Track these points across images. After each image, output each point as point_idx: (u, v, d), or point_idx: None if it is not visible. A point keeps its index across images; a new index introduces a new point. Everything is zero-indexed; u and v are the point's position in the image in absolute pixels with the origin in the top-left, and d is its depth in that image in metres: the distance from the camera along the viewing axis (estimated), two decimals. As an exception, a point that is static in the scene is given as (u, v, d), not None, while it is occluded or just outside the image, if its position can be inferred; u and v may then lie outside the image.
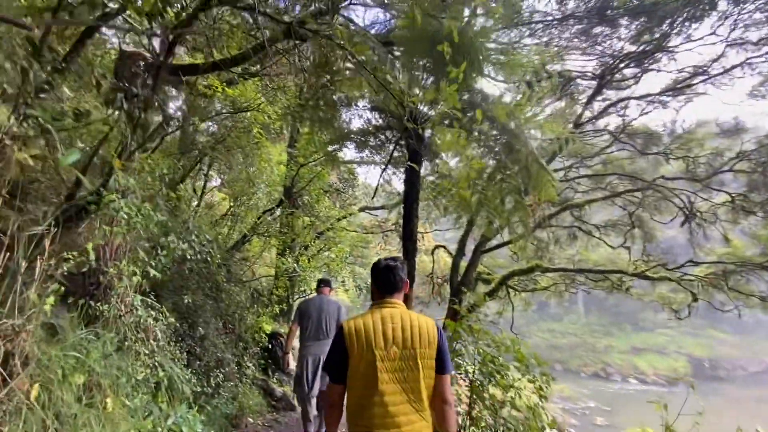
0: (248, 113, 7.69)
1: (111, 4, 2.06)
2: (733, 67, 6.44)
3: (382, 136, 6.61)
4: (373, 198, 6.07)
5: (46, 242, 1.51)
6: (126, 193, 2.01)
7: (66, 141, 2.10)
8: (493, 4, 4.39)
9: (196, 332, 4.01)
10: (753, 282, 6.38)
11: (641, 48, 7.14)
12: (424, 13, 4.14)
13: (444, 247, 8.99)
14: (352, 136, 8.93)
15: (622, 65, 7.41)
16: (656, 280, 6.68)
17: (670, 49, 6.68)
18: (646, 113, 8.83)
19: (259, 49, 5.81)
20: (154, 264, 2.50)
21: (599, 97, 8.18)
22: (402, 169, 8.83)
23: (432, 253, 9.05)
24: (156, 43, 3.96)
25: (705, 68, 6.82)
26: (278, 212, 7.82)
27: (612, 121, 9.08)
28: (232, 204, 9.08)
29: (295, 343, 4.78)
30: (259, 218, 7.67)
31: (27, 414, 1.49)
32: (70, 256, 1.77)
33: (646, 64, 7.37)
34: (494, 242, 7.67)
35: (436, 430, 1.62)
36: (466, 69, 3.32)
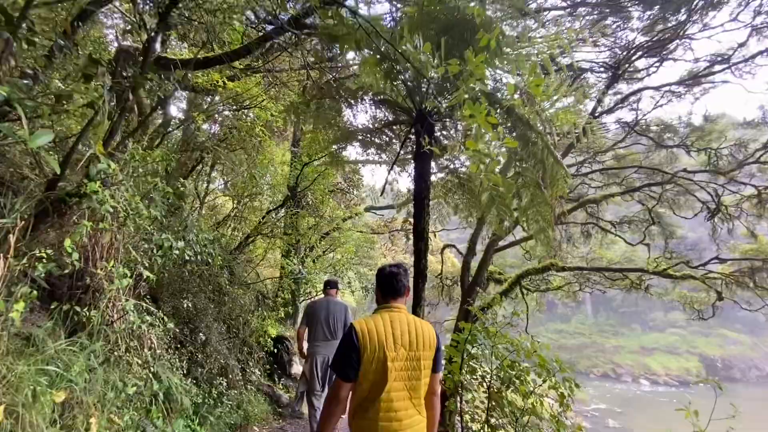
0: (251, 110, 7.48)
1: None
2: (756, 54, 6.14)
3: (390, 133, 6.37)
4: (381, 194, 5.85)
5: (12, 238, 1.29)
6: (112, 184, 1.78)
7: (46, 127, 1.89)
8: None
9: (197, 338, 3.78)
10: (781, 279, 6.08)
11: (658, 37, 6.85)
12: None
13: (454, 246, 8.72)
14: (357, 135, 8.69)
15: (638, 55, 7.12)
16: (679, 279, 6.37)
17: (690, 36, 6.38)
18: (660, 106, 8.54)
19: (261, 44, 5.61)
20: (148, 265, 2.27)
21: (610, 91, 7.91)
22: (408, 169, 8.62)
23: (441, 253, 8.79)
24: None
25: (725, 57, 6.53)
26: (282, 212, 7.60)
27: (623, 116, 8.77)
28: (235, 205, 8.89)
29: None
30: (262, 218, 7.45)
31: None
32: (44, 255, 1.54)
33: (664, 54, 7.08)
34: (508, 241, 7.40)
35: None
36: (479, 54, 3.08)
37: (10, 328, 1.39)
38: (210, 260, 3.34)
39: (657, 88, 7.23)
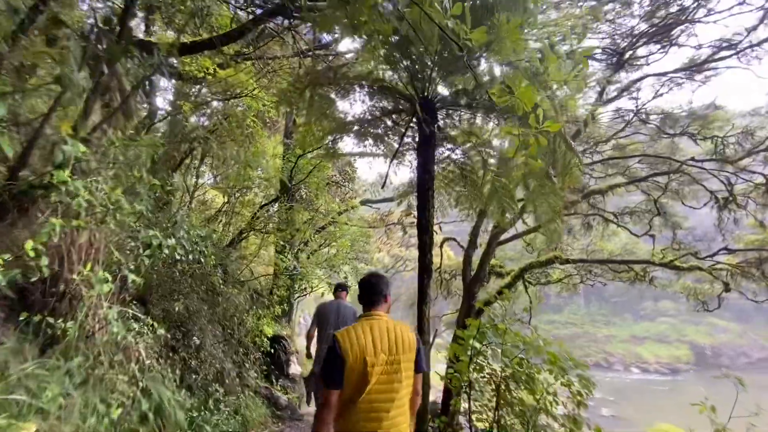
0: (241, 100, 7.13)
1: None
2: (766, 39, 5.97)
3: (388, 122, 6.09)
4: (383, 187, 5.60)
5: (-49, 240, 1.02)
6: (86, 174, 1.50)
7: (10, 109, 1.59)
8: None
9: (190, 342, 3.51)
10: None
11: (663, 22, 6.64)
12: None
13: (454, 239, 8.52)
14: (353, 126, 8.42)
15: (642, 41, 6.92)
16: (686, 270, 6.26)
17: (696, 20, 6.19)
18: (660, 95, 8.38)
19: (253, 26, 5.26)
20: (134, 267, 1.99)
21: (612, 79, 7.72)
22: (406, 160, 8.36)
23: (440, 246, 8.60)
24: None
25: (733, 42, 6.36)
26: (276, 207, 7.31)
27: (622, 105, 8.60)
28: (226, 200, 8.56)
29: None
30: (256, 213, 7.14)
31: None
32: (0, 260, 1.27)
33: (669, 40, 6.88)
34: (511, 234, 7.20)
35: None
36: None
37: (-42, 352, 1.12)
38: (202, 259, 3.06)
39: (662, 75, 7.04)
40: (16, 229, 1.46)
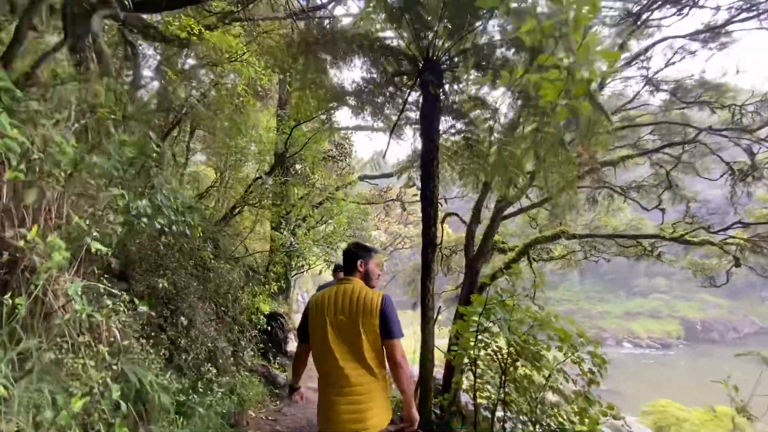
0: (231, 66, 6.65)
1: None
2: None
3: (390, 88, 5.68)
4: (384, 156, 5.30)
5: None
6: (16, 113, 1.19)
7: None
8: None
9: (178, 321, 3.25)
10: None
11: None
12: None
13: (456, 214, 8.25)
14: (350, 96, 8.01)
15: (658, 2, 6.47)
16: (696, 245, 6.06)
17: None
18: (673, 63, 7.97)
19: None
20: (98, 234, 1.69)
21: (616, 46, 7.27)
22: (405, 135, 7.96)
23: (441, 222, 8.35)
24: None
25: (755, 2, 5.94)
26: (270, 181, 6.97)
27: (630, 74, 8.19)
28: (218, 174, 8.20)
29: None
30: (249, 187, 6.80)
31: None
32: None
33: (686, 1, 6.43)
34: (516, 207, 6.91)
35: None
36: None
37: None
38: (188, 230, 2.77)
39: (678, 38, 6.63)
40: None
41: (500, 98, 5.03)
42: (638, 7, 6.82)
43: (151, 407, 2.23)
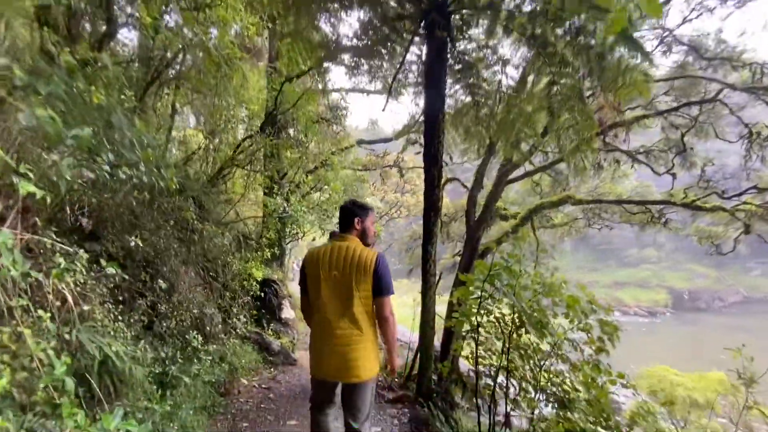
0: (215, 15, 6.01)
1: None
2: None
3: (392, 36, 5.14)
4: (388, 98, 4.88)
5: None
6: None
7: None
8: None
9: (157, 285, 2.95)
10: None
11: None
12: None
13: (457, 179, 7.91)
14: (345, 51, 7.47)
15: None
16: (708, 211, 5.82)
17: None
18: (689, 20, 7.44)
19: None
20: (32, 172, 1.33)
21: None
22: (403, 99, 7.50)
23: (441, 188, 8.01)
24: None
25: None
26: (260, 140, 6.52)
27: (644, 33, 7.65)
28: (206, 135, 7.69)
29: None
30: (238, 147, 6.35)
31: None
32: None
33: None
34: (525, 174, 6.58)
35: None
36: None
37: None
38: (161, 182, 2.40)
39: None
40: None
41: (512, 46, 4.55)
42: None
43: (123, 379, 1.96)
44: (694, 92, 6.09)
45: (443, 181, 8.28)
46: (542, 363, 3.86)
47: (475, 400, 4.14)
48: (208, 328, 3.62)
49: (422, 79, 4.49)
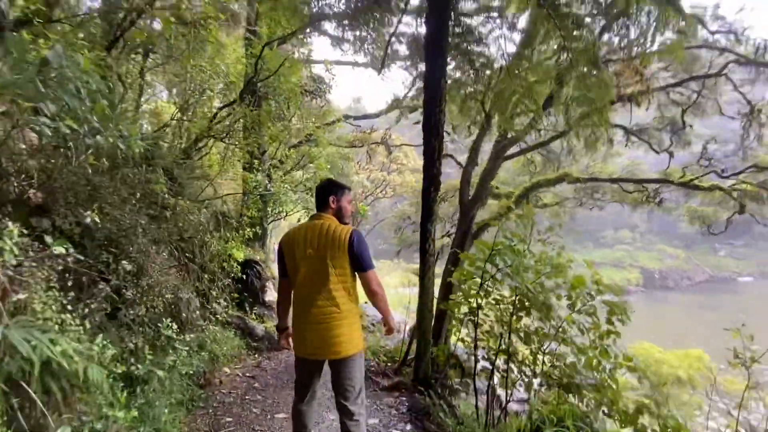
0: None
1: None
2: None
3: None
4: (381, 69, 4.45)
5: None
6: None
7: None
8: None
9: (120, 267, 2.54)
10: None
11: None
12: None
13: (451, 156, 7.58)
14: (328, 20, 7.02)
15: None
16: (705, 190, 5.75)
17: None
18: (688, -5, 7.18)
19: None
20: None
21: None
22: (389, 74, 6.98)
23: (440, 162, 7.70)
24: None
25: None
26: (239, 109, 5.97)
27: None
28: (179, 106, 7.05)
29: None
30: (215, 116, 5.80)
31: None
32: None
33: None
34: (522, 151, 6.29)
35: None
36: None
37: None
38: (120, 145, 1.98)
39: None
40: None
41: (518, 6, 4.17)
42: None
43: (78, 385, 1.59)
44: (696, 67, 5.90)
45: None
46: (545, 346, 3.70)
47: (473, 385, 3.96)
48: (184, 315, 3.24)
49: (423, 41, 4.07)
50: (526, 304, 3.69)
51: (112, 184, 2.87)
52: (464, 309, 4.06)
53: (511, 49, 4.92)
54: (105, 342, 1.84)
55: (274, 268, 9.24)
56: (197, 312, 3.85)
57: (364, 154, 12.25)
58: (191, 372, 3.17)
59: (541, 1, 3.76)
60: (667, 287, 33.14)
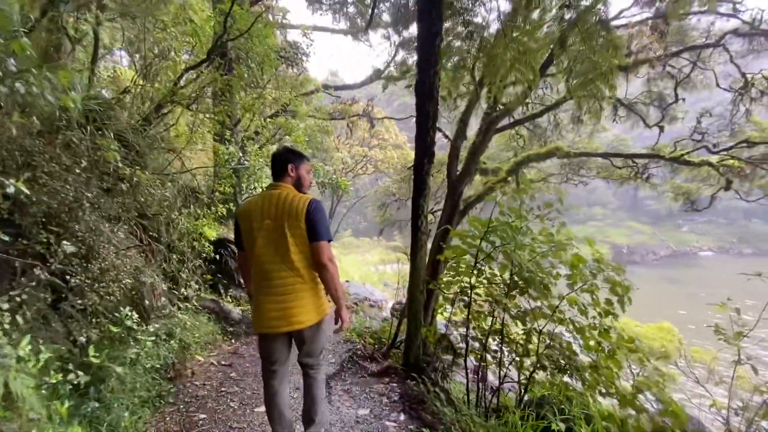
0: None
1: None
2: None
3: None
4: (366, 28, 3.96)
5: None
6: None
7: None
8: None
9: (59, 249, 2.11)
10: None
11: None
12: None
13: (439, 129, 7.21)
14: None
15: None
16: (696, 166, 5.70)
17: None
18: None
19: None
20: None
21: None
22: (364, 38, 6.56)
23: (434, 130, 7.35)
24: None
25: None
26: (208, 73, 5.37)
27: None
28: (138, 70, 6.32)
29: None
30: (179, 78, 5.18)
31: None
32: None
33: None
34: (515, 123, 5.99)
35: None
36: None
37: None
38: (48, 97, 1.54)
39: None
40: None
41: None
42: None
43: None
44: (688, 40, 5.71)
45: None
46: (540, 327, 3.56)
47: (464, 367, 3.81)
48: (147, 301, 2.85)
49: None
50: (521, 284, 3.52)
51: (50, 150, 2.39)
52: (454, 288, 3.87)
53: (507, 7, 4.58)
54: (41, 342, 1.46)
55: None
56: (164, 297, 3.46)
57: (345, 128, 11.70)
58: (158, 365, 2.82)
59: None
60: (634, 262, 34.66)
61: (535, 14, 4.19)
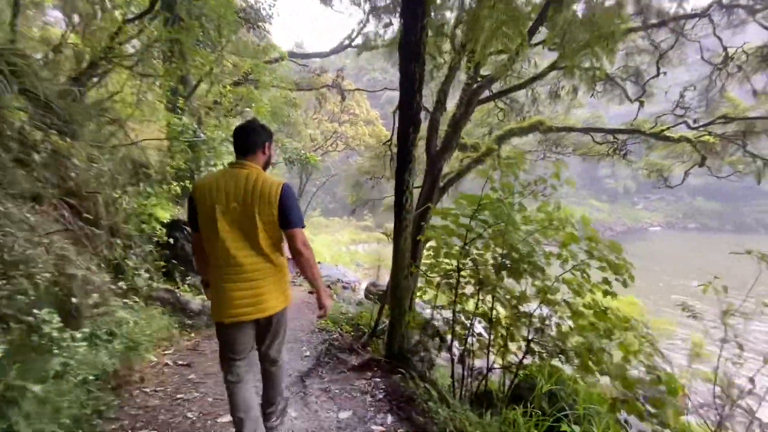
0: None
1: None
2: None
3: None
4: None
5: None
6: None
7: None
8: None
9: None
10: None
11: None
12: None
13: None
14: None
15: None
16: (674, 142, 5.68)
17: None
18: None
19: None
20: None
21: None
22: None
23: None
24: None
25: None
26: (152, 27, 4.59)
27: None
28: (69, 24, 5.39)
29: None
30: (117, 32, 4.38)
31: None
32: None
33: None
34: (498, 93, 5.65)
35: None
36: None
37: None
38: None
39: None
40: None
41: None
42: None
43: None
44: (664, 11, 5.53)
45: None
46: (533, 310, 3.37)
47: (449, 353, 3.58)
48: (75, 299, 2.32)
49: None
50: (510, 265, 3.29)
51: None
52: (438, 270, 3.59)
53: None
54: None
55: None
56: (106, 290, 2.91)
57: (313, 101, 10.94)
58: (94, 375, 2.32)
59: None
60: (593, 238, 36.45)
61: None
